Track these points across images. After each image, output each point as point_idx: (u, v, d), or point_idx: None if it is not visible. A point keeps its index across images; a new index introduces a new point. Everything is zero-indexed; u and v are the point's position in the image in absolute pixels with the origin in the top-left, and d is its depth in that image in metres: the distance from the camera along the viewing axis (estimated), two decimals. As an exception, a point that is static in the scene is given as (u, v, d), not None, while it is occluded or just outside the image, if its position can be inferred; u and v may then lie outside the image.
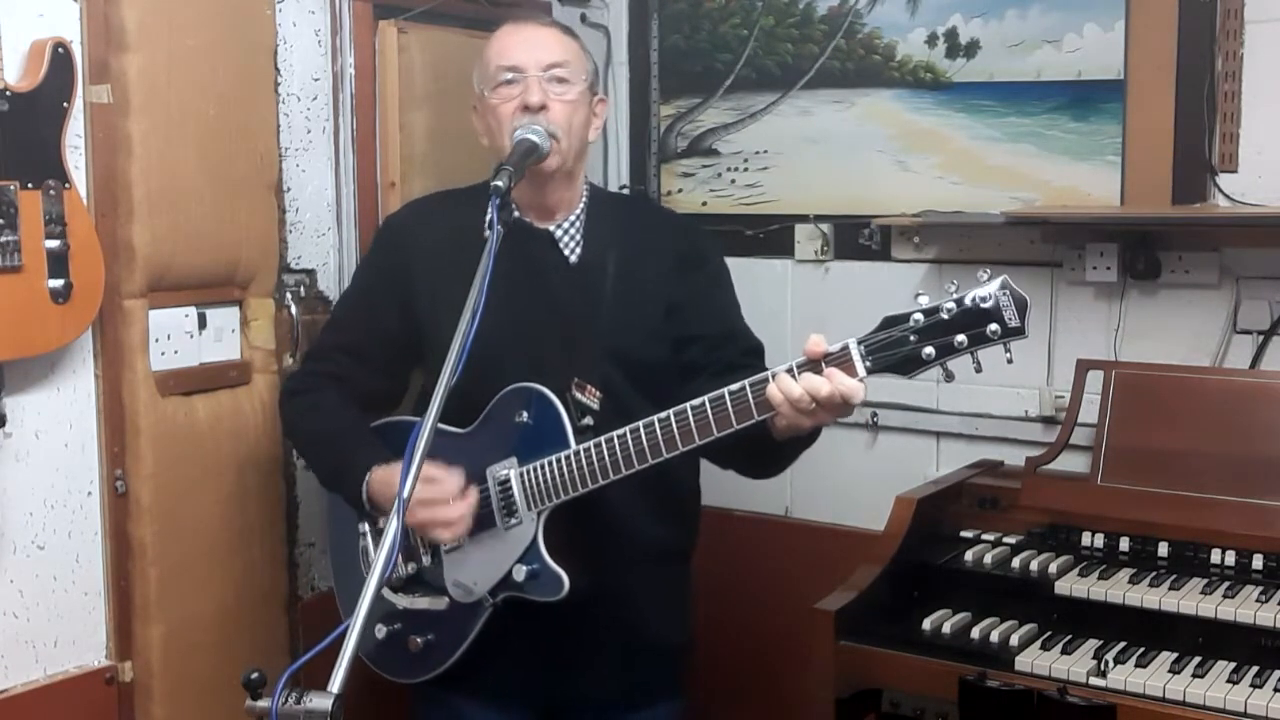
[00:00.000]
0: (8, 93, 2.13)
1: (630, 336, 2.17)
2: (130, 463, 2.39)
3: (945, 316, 1.71)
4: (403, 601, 2.18)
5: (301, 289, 2.76)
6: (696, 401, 1.87)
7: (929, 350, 1.72)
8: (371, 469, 2.12)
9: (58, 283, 2.18)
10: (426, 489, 1.97)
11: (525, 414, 2.07)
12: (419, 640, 2.16)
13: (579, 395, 2.07)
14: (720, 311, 2.26)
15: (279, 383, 2.65)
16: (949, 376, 1.75)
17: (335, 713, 1.33)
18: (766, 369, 1.86)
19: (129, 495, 2.40)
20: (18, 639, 2.30)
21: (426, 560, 2.16)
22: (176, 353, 2.49)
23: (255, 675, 1.35)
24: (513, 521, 2.05)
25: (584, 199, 2.24)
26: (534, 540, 2.03)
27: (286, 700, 1.33)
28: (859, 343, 1.76)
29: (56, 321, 2.20)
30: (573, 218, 2.22)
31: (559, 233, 2.21)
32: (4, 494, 2.26)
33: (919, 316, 1.72)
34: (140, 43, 2.34)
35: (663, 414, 1.90)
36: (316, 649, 1.42)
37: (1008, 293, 1.70)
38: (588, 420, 2.05)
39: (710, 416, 1.86)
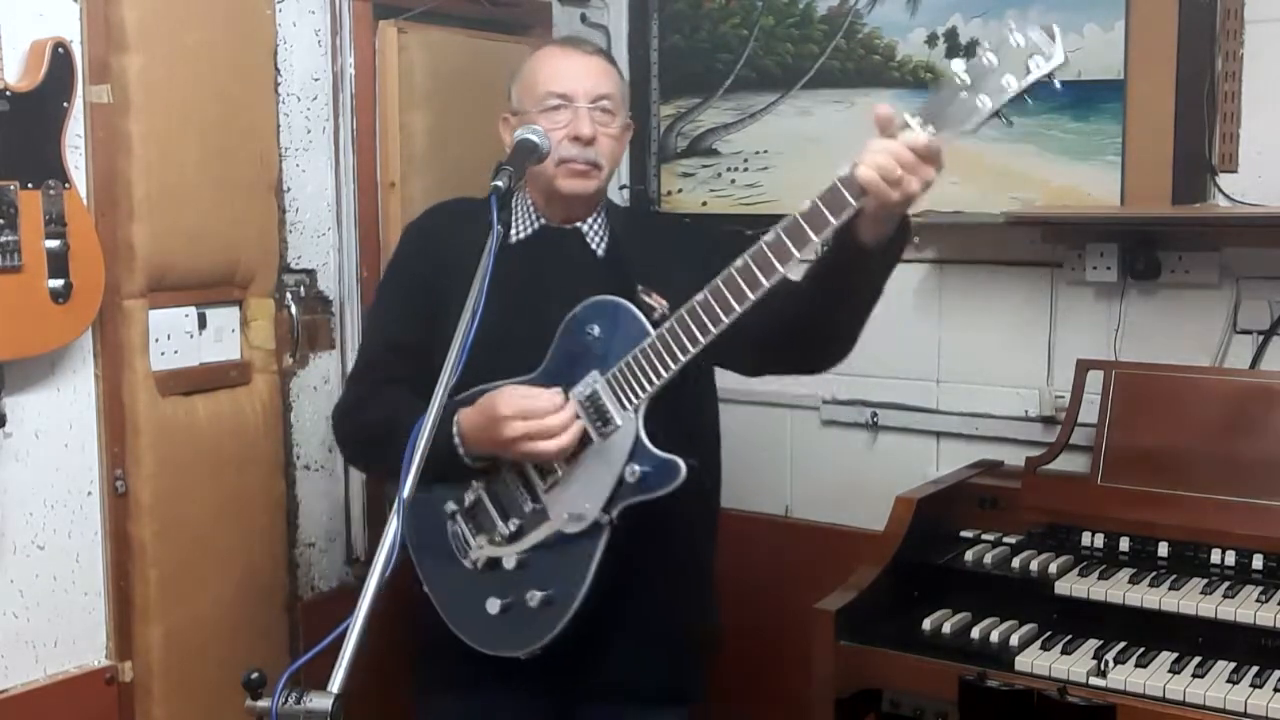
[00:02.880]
0: (8, 93, 2.13)
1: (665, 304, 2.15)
2: (130, 463, 2.40)
3: (988, 64, 1.73)
4: (511, 554, 2.08)
5: (301, 289, 2.76)
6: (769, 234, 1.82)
7: (983, 98, 1.73)
8: (456, 414, 2.04)
9: (58, 283, 2.19)
10: (523, 403, 1.95)
11: (595, 328, 2.03)
12: (538, 594, 2.04)
13: (645, 299, 2.06)
14: None
15: (279, 382, 2.66)
16: (1009, 122, 1.76)
17: (335, 713, 1.33)
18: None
19: (129, 495, 2.40)
20: (18, 639, 2.30)
21: (528, 508, 2.07)
22: (176, 353, 2.49)
23: (255, 675, 1.35)
24: (610, 429, 1.99)
25: (602, 204, 2.29)
26: (637, 437, 1.97)
27: (286, 700, 1.33)
28: (913, 114, 1.76)
29: (56, 321, 2.21)
30: (595, 217, 2.26)
31: (585, 227, 2.24)
32: (4, 494, 2.26)
33: (964, 76, 1.74)
34: (140, 42, 2.34)
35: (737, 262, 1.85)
36: (316, 649, 1.42)
37: (1037, 28, 1.73)
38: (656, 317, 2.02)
39: (784, 238, 1.80)
